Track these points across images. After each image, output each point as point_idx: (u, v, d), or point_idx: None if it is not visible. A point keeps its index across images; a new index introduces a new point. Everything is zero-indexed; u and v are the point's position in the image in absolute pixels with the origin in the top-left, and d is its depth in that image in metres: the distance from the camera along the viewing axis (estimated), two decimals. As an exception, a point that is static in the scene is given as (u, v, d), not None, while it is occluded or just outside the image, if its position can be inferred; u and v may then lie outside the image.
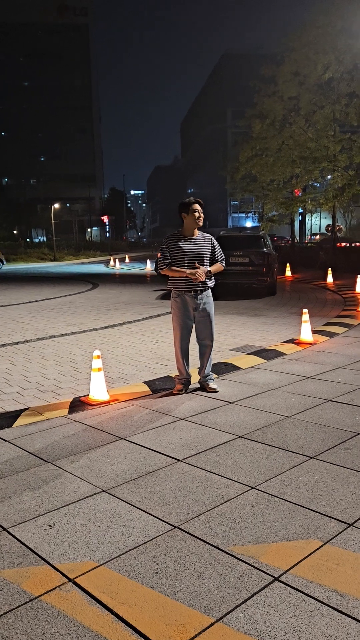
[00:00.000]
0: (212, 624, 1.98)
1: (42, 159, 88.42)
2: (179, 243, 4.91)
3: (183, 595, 2.15)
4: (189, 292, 4.91)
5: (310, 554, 2.39)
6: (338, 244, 28.70)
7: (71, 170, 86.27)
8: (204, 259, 4.92)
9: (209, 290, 5.04)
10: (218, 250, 5.08)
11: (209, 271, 4.91)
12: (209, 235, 5.12)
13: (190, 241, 4.92)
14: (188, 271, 4.80)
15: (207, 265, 4.93)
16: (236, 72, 67.60)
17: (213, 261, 5.03)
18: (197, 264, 4.84)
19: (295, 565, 2.32)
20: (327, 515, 2.72)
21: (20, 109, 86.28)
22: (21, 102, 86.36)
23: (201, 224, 4.93)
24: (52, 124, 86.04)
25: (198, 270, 4.79)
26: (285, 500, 2.89)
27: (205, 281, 4.93)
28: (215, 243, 5.10)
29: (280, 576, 2.24)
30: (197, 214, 4.86)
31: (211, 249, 5.01)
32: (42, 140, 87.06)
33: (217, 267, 5.03)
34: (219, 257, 5.06)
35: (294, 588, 2.16)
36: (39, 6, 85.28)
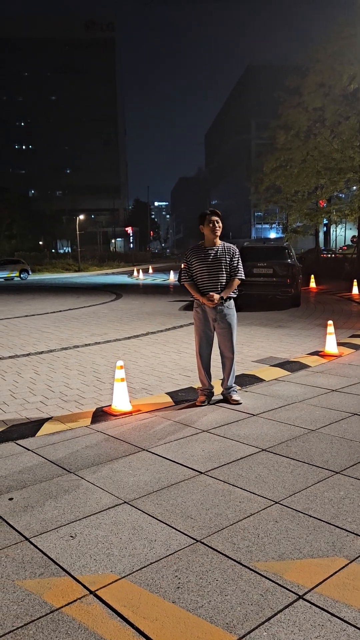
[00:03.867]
0: (234, 642, 1.94)
1: (68, 171, 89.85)
2: (200, 256, 4.93)
3: (205, 611, 2.11)
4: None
5: (335, 572, 2.33)
6: (322, 254, 28.15)
7: (96, 182, 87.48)
8: (222, 271, 4.90)
9: (231, 301, 5.02)
10: (237, 262, 5.00)
11: (222, 297, 4.89)
12: (231, 246, 5.05)
13: (210, 254, 4.91)
14: (202, 299, 4.86)
15: (222, 278, 4.91)
16: (261, 84, 67.84)
17: (230, 274, 4.97)
18: (211, 294, 4.84)
19: (321, 583, 2.26)
20: (353, 533, 2.66)
21: (47, 122, 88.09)
22: (48, 115, 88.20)
23: (218, 234, 4.90)
24: (78, 136, 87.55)
25: (212, 299, 4.82)
26: (310, 516, 2.83)
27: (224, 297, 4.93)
28: (236, 254, 5.01)
29: (304, 594, 2.19)
30: (212, 225, 4.86)
31: (230, 260, 4.95)
32: (68, 153, 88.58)
33: (234, 283, 4.98)
34: (235, 271, 4.98)
35: (319, 607, 2.11)
36: (66, 22, 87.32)
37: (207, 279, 4.91)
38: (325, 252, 31.57)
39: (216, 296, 4.84)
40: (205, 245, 4.97)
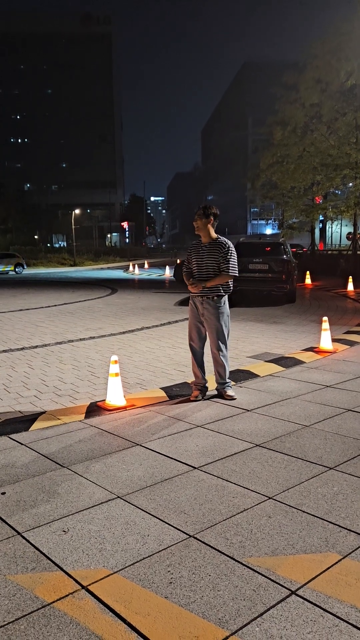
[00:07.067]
0: (226, 638, 1.93)
1: (64, 166, 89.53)
2: (195, 250, 5.08)
3: (197, 606, 2.10)
4: (195, 297, 5.04)
5: (328, 568, 2.33)
6: (293, 249, 28.20)
7: (92, 177, 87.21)
8: (207, 268, 4.93)
9: (221, 298, 4.91)
10: (227, 257, 4.87)
11: (205, 287, 4.87)
12: (223, 242, 4.93)
13: (202, 248, 5.01)
14: (189, 283, 5.03)
15: (211, 272, 4.90)
16: (257, 80, 67.64)
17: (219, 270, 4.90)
18: (191, 280, 5.03)
19: (313, 579, 2.26)
20: (346, 528, 2.65)
21: (43, 116, 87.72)
22: (44, 110, 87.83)
23: (201, 233, 4.98)
24: (74, 131, 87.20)
25: (196, 284, 4.93)
26: (303, 512, 2.83)
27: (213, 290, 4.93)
28: (226, 249, 4.88)
29: (297, 590, 2.19)
30: (194, 222, 5.05)
31: (218, 257, 4.87)
32: (64, 147, 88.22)
33: (218, 279, 4.86)
34: (222, 267, 4.86)
35: (311, 602, 2.10)
36: (63, 16, 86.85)
37: (197, 272, 5.01)
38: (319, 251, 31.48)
39: (199, 283, 4.93)
40: (202, 241, 5.04)
